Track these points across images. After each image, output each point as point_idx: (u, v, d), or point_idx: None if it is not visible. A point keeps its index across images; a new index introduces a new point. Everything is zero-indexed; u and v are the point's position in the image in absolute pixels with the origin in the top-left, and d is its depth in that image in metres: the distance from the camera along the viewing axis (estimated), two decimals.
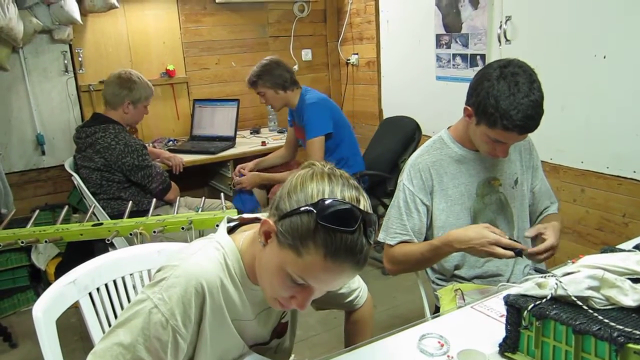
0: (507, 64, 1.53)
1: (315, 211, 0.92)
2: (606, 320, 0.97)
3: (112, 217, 2.58)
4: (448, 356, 1.17)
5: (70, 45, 3.48)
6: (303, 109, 3.12)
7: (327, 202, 0.92)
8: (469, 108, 1.59)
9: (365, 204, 0.97)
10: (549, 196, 1.88)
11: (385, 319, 2.84)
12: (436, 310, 1.77)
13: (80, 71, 3.59)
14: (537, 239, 1.63)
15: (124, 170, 2.69)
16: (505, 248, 1.50)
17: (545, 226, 1.62)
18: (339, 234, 0.91)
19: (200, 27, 4.06)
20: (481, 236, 1.52)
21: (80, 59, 3.57)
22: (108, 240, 2.06)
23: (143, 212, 2.46)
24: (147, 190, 2.79)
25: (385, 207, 3.17)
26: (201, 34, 4.06)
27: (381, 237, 1.78)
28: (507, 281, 1.69)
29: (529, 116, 1.47)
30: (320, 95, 3.21)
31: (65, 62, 3.45)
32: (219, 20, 4.11)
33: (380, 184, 3.35)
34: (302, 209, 0.93)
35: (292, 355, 1.39)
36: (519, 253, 1.51)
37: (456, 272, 1.77)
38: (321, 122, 3.09)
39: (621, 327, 0.94)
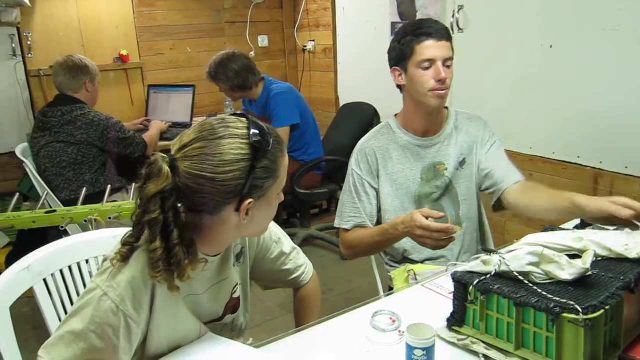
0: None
1: None
2: (544, 293, 1.04)
3: (67, 202, 2.55)
4: (399, 331, 1.22)
5: (18, 29, 3.36)
6: (270, 98, 3.14)
7: None
8: (396, 68, 1.74)
9: None
10: (513, 170, 1.76)
11: (341, 302, 2.89)
12: (390, 291, 1.83)
13: (29, 55, 3.48)
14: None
15: (107, 144, 2.79)
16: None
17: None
18: None
19: (154, 11, 3.98)
20: (411, 219, 1.48)
21: (29, 42, 3.46)
22: (62, 227, 2.04)
23: (99, 194, 2.46)
24: (127, 156, 2.93)
25: None
26: (155, 19, 3.99)
27: (336, 223, 1.82)
28: (457, 259, 1.76)
29: (434, 21, 1.68)
30: (287, 85, 3.26)
31: (13, 45, 3.34)
32: (173, 4, 4.05)
33: (340, 170, 3.38)
34: None
35: (250, 339, 1.41)
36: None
37: (406, 255, 1.82)
38: (288, 112, 3.13)
39: (558, 298, 1.01)
